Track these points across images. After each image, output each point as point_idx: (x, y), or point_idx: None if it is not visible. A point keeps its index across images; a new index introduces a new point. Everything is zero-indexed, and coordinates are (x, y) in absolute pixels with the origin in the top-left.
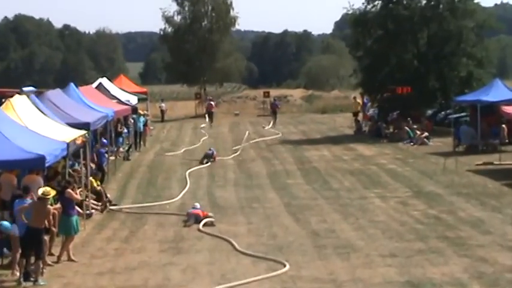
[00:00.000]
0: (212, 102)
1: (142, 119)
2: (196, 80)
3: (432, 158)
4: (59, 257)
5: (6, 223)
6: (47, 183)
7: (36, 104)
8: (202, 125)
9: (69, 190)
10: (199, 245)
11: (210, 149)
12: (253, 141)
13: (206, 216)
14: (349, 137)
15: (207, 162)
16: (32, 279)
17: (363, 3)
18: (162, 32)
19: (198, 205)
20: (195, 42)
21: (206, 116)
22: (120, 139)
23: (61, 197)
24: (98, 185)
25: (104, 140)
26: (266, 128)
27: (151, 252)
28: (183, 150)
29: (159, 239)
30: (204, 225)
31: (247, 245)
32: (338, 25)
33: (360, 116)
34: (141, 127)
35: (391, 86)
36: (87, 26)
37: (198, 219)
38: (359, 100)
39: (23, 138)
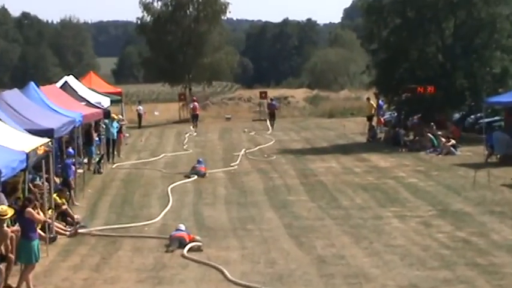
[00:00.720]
0: (196, 104)
1: (116, 124)
2: (179, 79)
3: (460, 171)
4: None
5: None
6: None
7: None
8: (188, 133)
9: (30, 209)
10: (184, 274)
11: (199, 160)
12: (248, 150)
13: (192, 240)
14: (362, 146)
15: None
16: None
17: None
18: (139, 22)
19: (182, 227)
20: (178, 33)
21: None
22: (93, 148)
23: (19, 217)
24: (63, 203)
25: (70, 150)
26: (251, 134)
27: (127, 283)
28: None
29: (136, 267)
30: (190, 250)
31: (241, 273)
32: (348, 13)
33: (374, 121)
34: (115, 134)
35: (411, 85)
36: (50, 14)
37: (182, 244)
38: (373, 102)
39: None
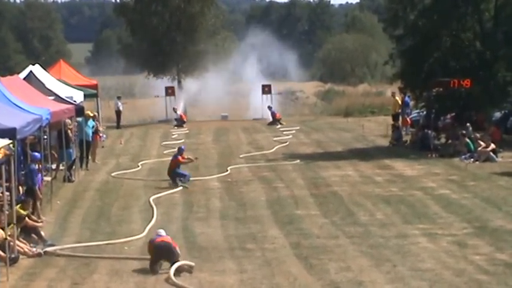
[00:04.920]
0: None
1: (91, 123)
2: (167, 69)
3: (501, 180)
4: None
5: None
6: None
7: None
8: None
9: None
10: None
11: (179, 148)
12: (248, 154)
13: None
14: (384, 150)
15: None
16: None
17: None
18: (118, 0)
19: (163, 232)
20: (165, 15)
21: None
22: (70, 151)
23: None
24: (28, 217)
25: (36, 154)
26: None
27: None
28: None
29: None
30: (179, 270)
31: None
32: None
33: (400, 121)
34: (90, 135)
35: (443, 77)
36: None
37: (171, 254)
38: (398, 98)
39: None
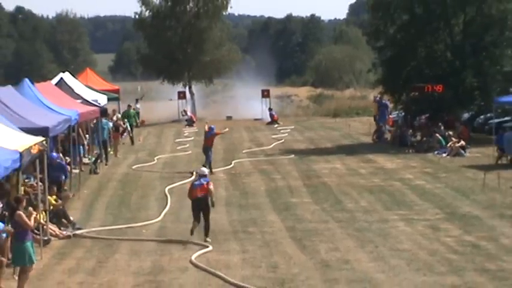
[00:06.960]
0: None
1: (106, 125)
2: (179, 76)
3: (469, 172)
4: None
5: None
6: None
7: None
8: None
9: (20, 212)
10: (183, 278)
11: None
12: (249, 150)
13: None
14: (367, 146)
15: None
16: None
17: None
18: (137, 17)
19: (203, 177)
20: (178, 29)
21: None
22: (81, 148)
23: (11, 220)
24: (56, 203)
25: (54, 154)
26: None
27: (124, 287)
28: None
29: (134, 270)
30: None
31: (242, 278)
32: (353, 9)
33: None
34: (105, 135)
35: (419, 83)
36: (45, 8)
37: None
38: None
39: None
